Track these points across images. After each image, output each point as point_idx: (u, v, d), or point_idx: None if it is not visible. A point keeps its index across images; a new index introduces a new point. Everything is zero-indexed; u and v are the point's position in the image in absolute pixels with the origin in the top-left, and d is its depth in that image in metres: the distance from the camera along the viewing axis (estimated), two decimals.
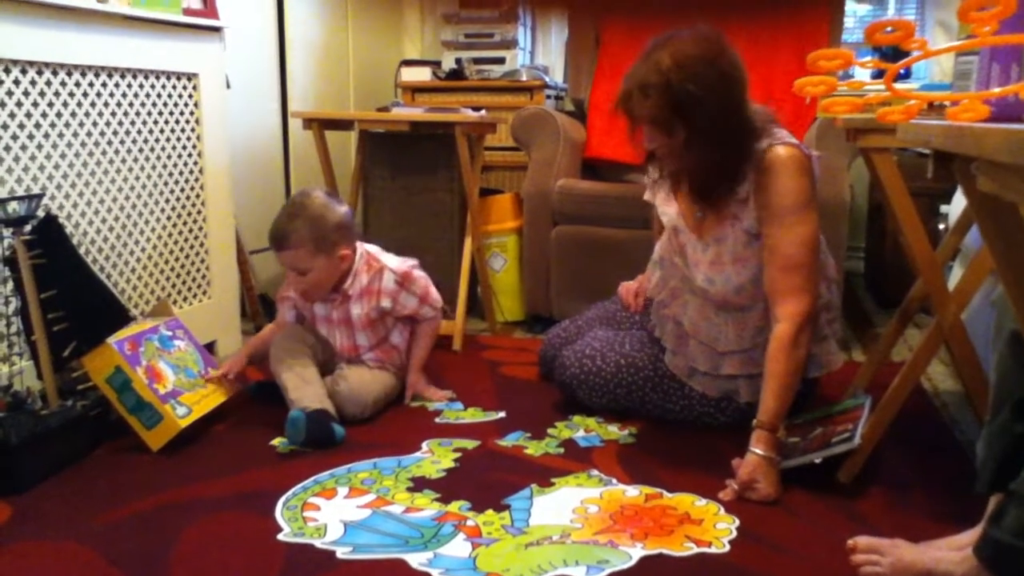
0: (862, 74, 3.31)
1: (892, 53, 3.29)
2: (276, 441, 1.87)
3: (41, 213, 1.78)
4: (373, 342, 2.12)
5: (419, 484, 1.67)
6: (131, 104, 2.17)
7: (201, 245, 2.47)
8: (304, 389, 1.92)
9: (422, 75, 3.59)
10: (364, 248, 2.14)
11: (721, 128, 1.69)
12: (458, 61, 3.59)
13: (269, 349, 2.05)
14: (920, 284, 1.94)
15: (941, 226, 2.31)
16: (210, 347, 2.41)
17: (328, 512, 1.55)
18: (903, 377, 1.62)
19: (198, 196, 2.44)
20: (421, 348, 2.19)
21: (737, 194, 1.77)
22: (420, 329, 2.19)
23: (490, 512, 1.55)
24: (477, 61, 3.64)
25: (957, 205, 2.03)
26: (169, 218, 2.33)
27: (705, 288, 1.88)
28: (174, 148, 2.33)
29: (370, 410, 2.02)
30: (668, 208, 1.93)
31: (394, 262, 2.14)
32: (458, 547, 1.42)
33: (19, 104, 1.85)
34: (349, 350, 2.12)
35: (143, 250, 2.24)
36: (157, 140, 2.27)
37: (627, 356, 1.99)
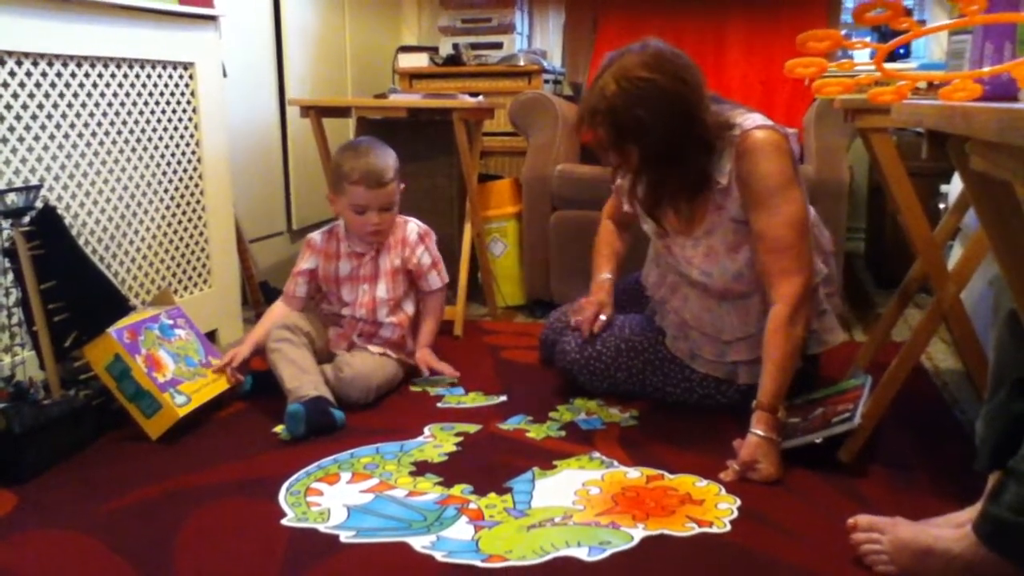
0: (861, 55, 3.29)
1: (890, 34, 3.28)
2: (278, 428, 1.87)
3: (39, 204, 1.78)
4: (393, 298, 2.16)
5: (421, 468, 1.68)
6: (128, 94, 2.16)
7: (201, 234, 2.47)
8: (301, 378, 1.93)
9: (419, 61, 3.58)
10: None
11: (672, 144, 1.70)
12: (455, 47, 3.58)
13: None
14: (920, 264, 1.94)
15: (941, 205, 2.30)
16: (211, 335, 2.41)
17: (331, 497, 1.55)
18: (903, 356, 1.62)
19: (197, 185, 2.44)
20: (429, 322, 2.24)
21: (718, 184, 1.77)
22: (426, 304, 2.23)
23: (492, 495, 1.56)
24: (474, 46, 3.62)
25: (956, 185, 2.03)
26: (168, 207, 2.33)
27: (703, 281, 1.88)
28: (172, 138, 2.33)
29: (374, 395, 2.03)
30: (644, 222, 1.93)
31: (415, 221, 2.25)
32: (461, 530, 1.43)
33: (15, 95, 1.84)
34: (368, 305, 2.15)
35: (143, 240, 2.24)
36: (155, 130, 2.26)
37: (627, 340, 1.99)
